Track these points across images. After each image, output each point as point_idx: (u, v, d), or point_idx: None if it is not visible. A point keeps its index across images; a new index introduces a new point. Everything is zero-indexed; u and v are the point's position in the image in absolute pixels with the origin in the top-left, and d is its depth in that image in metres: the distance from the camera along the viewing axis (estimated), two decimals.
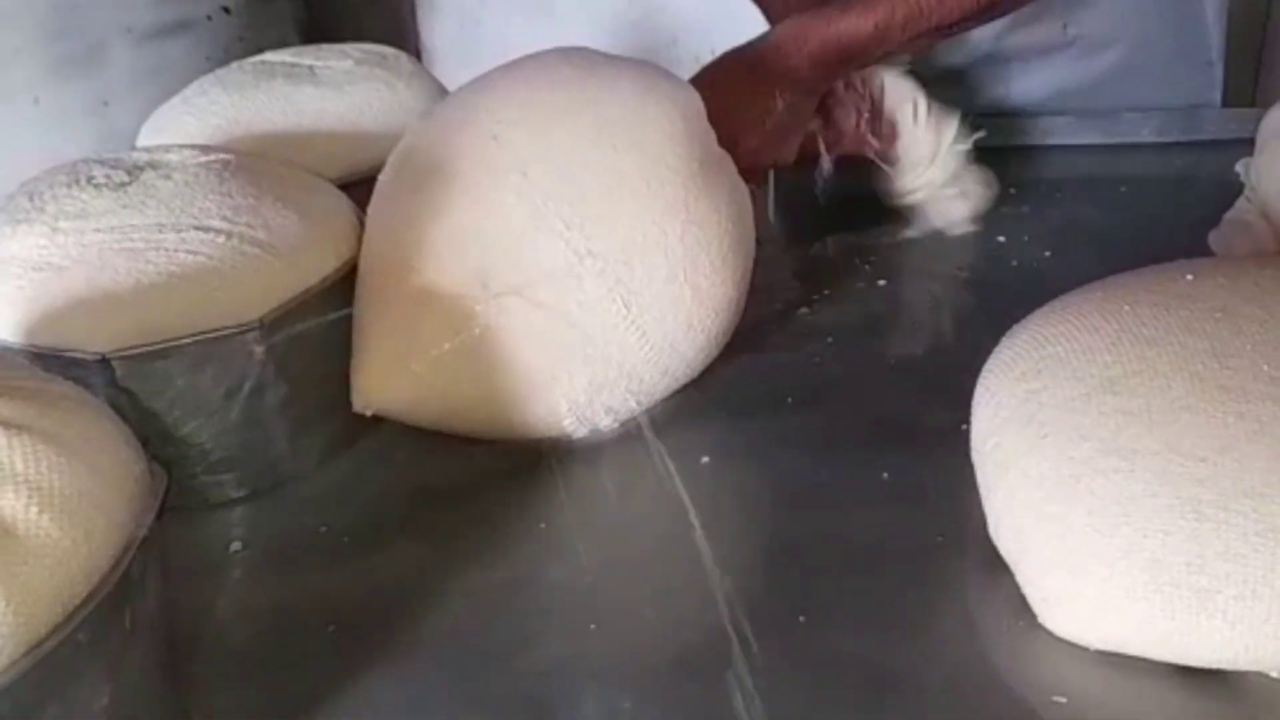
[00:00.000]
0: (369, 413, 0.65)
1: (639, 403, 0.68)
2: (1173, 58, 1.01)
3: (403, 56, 0.86)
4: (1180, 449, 0.51)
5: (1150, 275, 0.62)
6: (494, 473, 0.66)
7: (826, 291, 0.84)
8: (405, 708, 0.51)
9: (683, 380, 0.70)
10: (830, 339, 0.78)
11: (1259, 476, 0.49)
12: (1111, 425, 0.53)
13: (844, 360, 0.76)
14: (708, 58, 0.85)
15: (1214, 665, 0.50)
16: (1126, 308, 0.58)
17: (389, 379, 0.64)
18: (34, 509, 0.40)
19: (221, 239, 0.61)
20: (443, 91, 0.86)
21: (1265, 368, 0.53)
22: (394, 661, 0.54)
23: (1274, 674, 0.50)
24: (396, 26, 1.56)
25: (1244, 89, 1.82)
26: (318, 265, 0.64)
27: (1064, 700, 0.50)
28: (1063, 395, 0.55)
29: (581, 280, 0.64)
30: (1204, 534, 0.49)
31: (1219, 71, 1.04)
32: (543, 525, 0.61)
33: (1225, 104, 1.06)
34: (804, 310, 0.82)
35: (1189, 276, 0.60)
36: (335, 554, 0.61)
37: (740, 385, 0.73)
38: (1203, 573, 0.49)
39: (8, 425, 0.41)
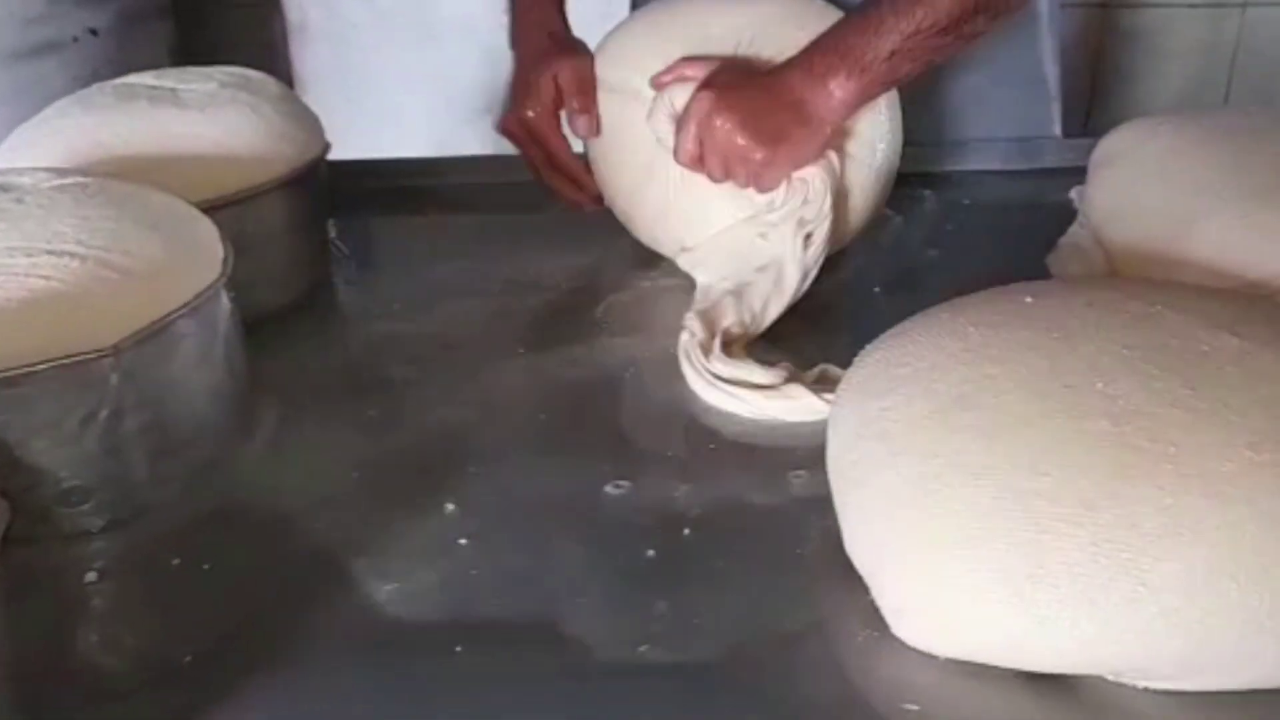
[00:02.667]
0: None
1: None
2: (1015, 93, 1.03)
3: (269, 80, 0.82)
4: (1023, 463, 0.51)
5: (993, 297, 0.62)
6: (351, 507, 0.63)
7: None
8: None
9: None
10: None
11: (1095, 489, 0.49)
12: (959, 441, 0.53)
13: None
14: None
15: (1056, 670, 0.51)
16: (971, 328, 0.58)
17: None
18: None
19: (76, 263, 0.57)
20: (312, 116, 0.83)
21: (1100, 385, 0.53)
22: (249, 693, 0.51)
23: (1110, 677, 0.51)
24: (268, 52, 1.51)
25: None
26: (179, 289, 0.61)
27: (916, 708, 0.50)
28: (913, 412, 0.55)
29: None
30: (1045, 545, 0.49)
31: (1057, 106, 1.07)
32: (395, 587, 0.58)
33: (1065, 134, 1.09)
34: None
35: (1028, 299, 0.61)
36: (194, 584, 0.58)
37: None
38: (1044, 582, 0.49)
39: None
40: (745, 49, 0.85)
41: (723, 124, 0.78)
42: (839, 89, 0.79)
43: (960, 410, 0.54)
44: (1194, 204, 0.72)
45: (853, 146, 0.84)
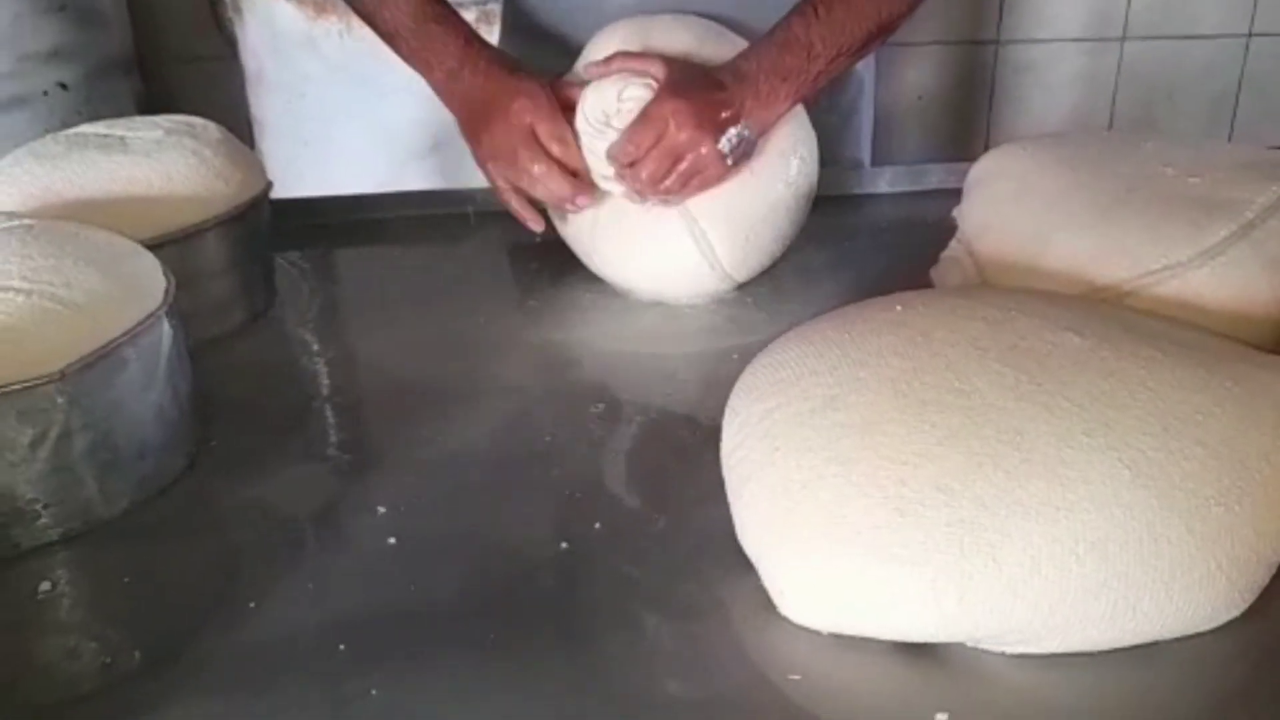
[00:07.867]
0: None
1: None
2: (835, 123, 1.03)
3: (210, 126, 0.82)
4: (886, 454, 0.52)
5: (868, 307, 0.64)
6: (283, 516, 0.63)
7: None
8: None
9: None
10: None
11: (949, 475, 0.51)
12: (831, 437, 0.54)
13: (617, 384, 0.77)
14: None
15: (922, 640, 0.52)
16: (846, 335, 0.60)
17: None
18: None
19: (21, 297, 0.58)
20: (252, 158, 0.84)
21: (956, 383, 0.55)
22: (196, 686, 0.51)
23: (970, 644, 0.52)
24: (229, 99, 1.51)
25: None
26: (120, 318, 0.61)
27: (798, 677, 0.51)
28: (792, 412, 0.56)
29: None
30: (906, 527, 0.50)
31: (868, 136, 1.09)
32: (311, 585, 0.58)
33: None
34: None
35: (898, 307, 0.62)
36: (142, 593, 0.57)
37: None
38: (907, 561, 0.50)
39: None
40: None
41: (694, 130, 0.77)
42: (779, 109, 0.81)
43: (832, 410, 0.55)
44: (1049, 219, 0.74)
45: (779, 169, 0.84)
